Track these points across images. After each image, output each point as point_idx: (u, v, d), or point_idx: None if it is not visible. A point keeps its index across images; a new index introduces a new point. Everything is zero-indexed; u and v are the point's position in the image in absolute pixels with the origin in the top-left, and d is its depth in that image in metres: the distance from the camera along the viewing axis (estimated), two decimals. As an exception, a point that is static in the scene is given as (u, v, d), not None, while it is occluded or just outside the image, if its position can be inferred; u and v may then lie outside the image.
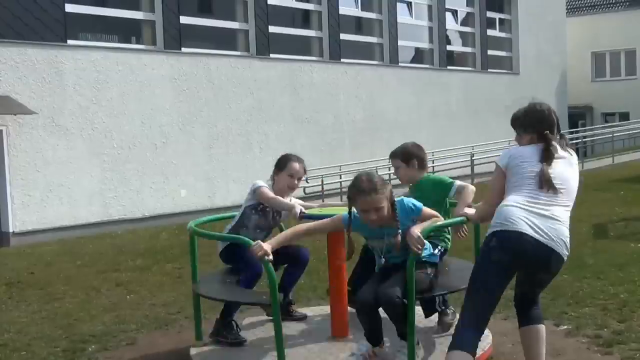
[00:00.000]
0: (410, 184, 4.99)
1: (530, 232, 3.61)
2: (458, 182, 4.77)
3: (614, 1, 34.71)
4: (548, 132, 3.90)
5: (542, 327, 3.98)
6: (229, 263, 5.12)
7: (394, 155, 4.96)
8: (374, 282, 4.29)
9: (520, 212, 3.65)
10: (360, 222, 4.23)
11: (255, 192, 5.02)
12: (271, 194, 4.95)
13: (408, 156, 4.87)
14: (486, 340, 4.65)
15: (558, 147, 3.88)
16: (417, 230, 4.08)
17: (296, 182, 5.13)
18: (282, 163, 5.15)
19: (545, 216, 3.67)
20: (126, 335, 5.73)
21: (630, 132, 28.10)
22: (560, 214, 3.71)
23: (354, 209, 4.21)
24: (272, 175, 5.18)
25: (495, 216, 3.74)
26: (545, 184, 3.70)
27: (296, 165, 5.11)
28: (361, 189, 4.08)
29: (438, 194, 4.79)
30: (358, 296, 4.32)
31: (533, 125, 3.97)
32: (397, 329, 4.28)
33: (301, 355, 4.56)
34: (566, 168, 3.84)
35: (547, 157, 3.79)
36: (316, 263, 6.60)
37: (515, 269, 3.79)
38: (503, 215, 3.68)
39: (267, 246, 4.09)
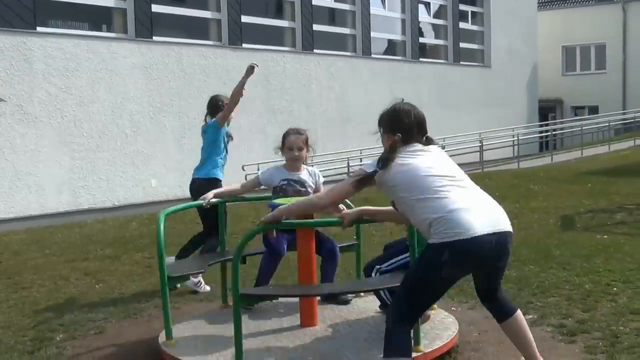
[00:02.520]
0: None
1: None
2: None
3: (584, -4, 35.10)
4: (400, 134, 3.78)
5: (519, 313, 3.97)
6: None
7: None
8: None
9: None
10: None
11: None
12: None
13: None
14: (452, 329, 4.71)
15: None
16: None
17: (296, 153, 5.35)
18: (282, 139, 5.50)
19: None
20: (95, 324, 5.70)
21: (599, 125, 28.49)
22: None
23: None
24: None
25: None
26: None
27: (291, 137, 5.41)
28: None
29: None
30: None
31: (392, 126, 3.86)
32: None
33: (269, 344, 4.58)
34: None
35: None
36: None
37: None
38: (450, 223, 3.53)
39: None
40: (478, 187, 3.76)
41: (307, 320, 4.91)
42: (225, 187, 5.69)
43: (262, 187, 5.50)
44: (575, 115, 33.28)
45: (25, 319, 5.93)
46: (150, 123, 15.04)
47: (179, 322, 5.13)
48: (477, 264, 3.64)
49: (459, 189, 3.64)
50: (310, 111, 18.64)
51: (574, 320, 5.19)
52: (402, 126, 3.82)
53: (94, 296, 6.68)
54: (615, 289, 6.00)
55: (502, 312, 3.95)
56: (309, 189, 5.34)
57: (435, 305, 4.94)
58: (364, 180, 3.76)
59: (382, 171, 3.70)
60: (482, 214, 3.56)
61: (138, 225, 11.50)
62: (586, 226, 9.49)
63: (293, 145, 5.34)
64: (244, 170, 15.44)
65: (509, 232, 3.65)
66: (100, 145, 14.16)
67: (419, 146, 3.82)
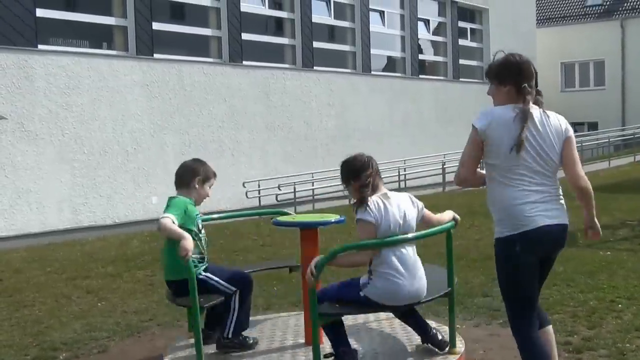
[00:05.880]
0: None
1: (547, 221, 3.66)
2: None
3: (583, 13, 35.24)
4: (526, 85, 3.63)
5: (551, 327, 3.92)
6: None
7: None
8: None
9: (528, 206, 3.62)
10: None
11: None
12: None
13: None
14: (458, 347, 4.67)
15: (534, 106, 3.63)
16: None
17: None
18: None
19: (549, 200, 3.76)
20: (97, 343, 5.67)
21: (599, 141, 28.51)
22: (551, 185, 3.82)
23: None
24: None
25: (506, 217, 3.61)
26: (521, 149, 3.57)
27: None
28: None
29: None
30: None
31: (511, 76, 3.70)
32: None
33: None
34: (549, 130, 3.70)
35: (524, 118, 3.53)
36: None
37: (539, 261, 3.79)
38: (514, 215, 3.59)
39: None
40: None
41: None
42: None
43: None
44: (575, 131, 33.26)
45: (27, 337, 5.90)
46: (151, 140, 15.05)
47: (181, 339, 5.10)
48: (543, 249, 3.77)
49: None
50: (310, 128, 18.66)
51: (579, 338, 5.16)
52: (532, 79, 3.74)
53: (96, 314, 6.65)
54: (620, 305, 5.98)
55: (538, 320, 3.87)
56: None
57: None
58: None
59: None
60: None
61: (139, 243, 11.46)
62: (589, 243, 9.43)
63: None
64: (244, 187, 15.44)
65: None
66: (100, 163, 14.16)
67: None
